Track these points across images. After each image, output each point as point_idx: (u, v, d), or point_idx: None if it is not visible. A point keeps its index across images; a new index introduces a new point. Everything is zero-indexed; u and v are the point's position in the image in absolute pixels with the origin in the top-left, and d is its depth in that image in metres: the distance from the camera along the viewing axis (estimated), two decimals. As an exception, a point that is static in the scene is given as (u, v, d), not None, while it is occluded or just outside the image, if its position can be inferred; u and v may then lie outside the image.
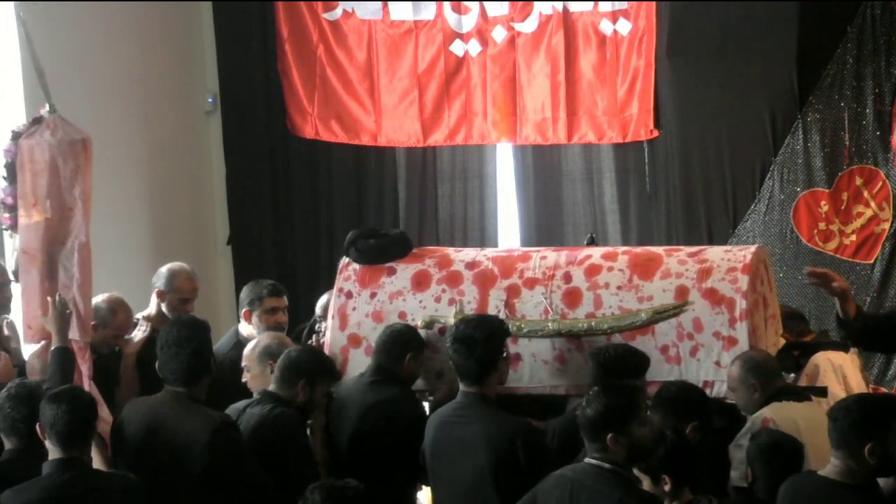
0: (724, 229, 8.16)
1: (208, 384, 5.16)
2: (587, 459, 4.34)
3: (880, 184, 7.94)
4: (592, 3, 8.55)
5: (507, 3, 8.72)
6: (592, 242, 8.06)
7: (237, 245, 9.35)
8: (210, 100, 9.30)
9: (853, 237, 7.98)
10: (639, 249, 6.00)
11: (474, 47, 8.83)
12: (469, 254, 5.96)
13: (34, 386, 5.04)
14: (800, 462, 4.72)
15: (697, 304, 5.45)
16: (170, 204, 8.80)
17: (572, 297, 5.60)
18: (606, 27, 8.53)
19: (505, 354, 5.23)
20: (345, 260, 5.93)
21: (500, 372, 5.18)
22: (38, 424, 4.68)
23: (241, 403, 5.34)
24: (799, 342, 5.99)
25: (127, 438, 5.06)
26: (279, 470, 5.04)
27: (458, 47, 8.87)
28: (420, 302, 5.74)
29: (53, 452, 4.63)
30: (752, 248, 5.70)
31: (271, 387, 5.31)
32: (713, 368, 5.41)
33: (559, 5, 8.60)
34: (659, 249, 5.89)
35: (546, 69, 8.66)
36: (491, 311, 5.63)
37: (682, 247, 6.00)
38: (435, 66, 8.92)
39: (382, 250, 5.89)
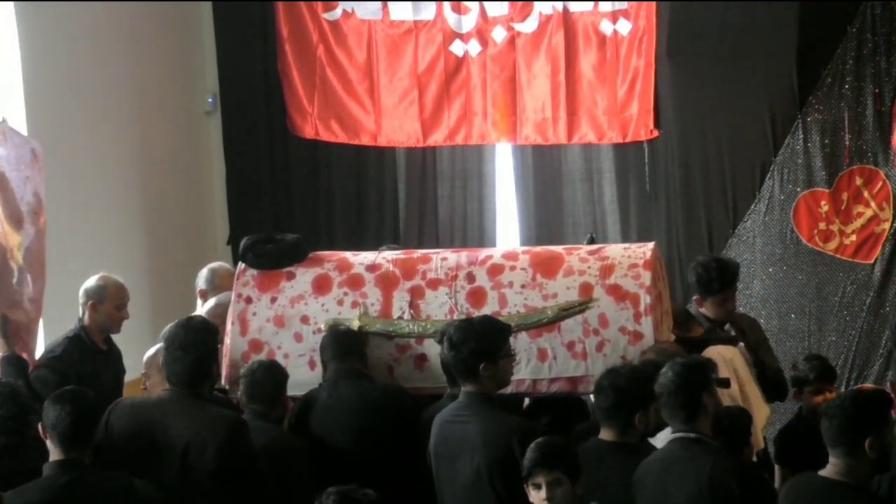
0: (724, 229, 8.17)
1: (212, 386, 5.17)
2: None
3: (880, 184, 7.94)
4: (592, 3, 8.55)
5: (507, 3, 8.72)
6: (592, 242, 8.07)
7: (237, 245, 9.33)
8: (210, 100, 9.30)
9: (853, 237, 7.98)
10: (538, 248, 6.08)
11: (474, 47, 8.83)
12: (368, 256, 5.95)
13: (15, 385, 5.04)
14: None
15: (602, 301, 5.55)
16: (170, 204, 8.80)
17: (477, 297, 5.66)
18: (606, 27, 8.53)
19: (507, 355, 5.20)
20: (241, 265, 5.89)
21: (499, 371, 5.15)
22: (39, 424, 4.68)
23: None
24: (689, 337, 6.03)
25: (120, 439, 5.00)
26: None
27: (457, 47, 8.87)
28: (322, 305, 5.75)
29: (54, 453, 4.62)
30: (650, 245, 5.82)
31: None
32: (619, 363, 5.45)
33: (559, 5, 8.60)
34: (559, 248, 5.98)
35: (546, 69, 8.66)
36: (395, 312, 5.68)
37: (581, 245, 6.09)
38: (435, 66, 8.92)
39: (279, 255, 5.88)
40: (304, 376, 5.64)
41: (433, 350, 5.57)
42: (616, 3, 8.48)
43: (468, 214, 9.19)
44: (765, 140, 8.05)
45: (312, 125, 9.15)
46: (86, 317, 6.26)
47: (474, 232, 9.15)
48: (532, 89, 8.73)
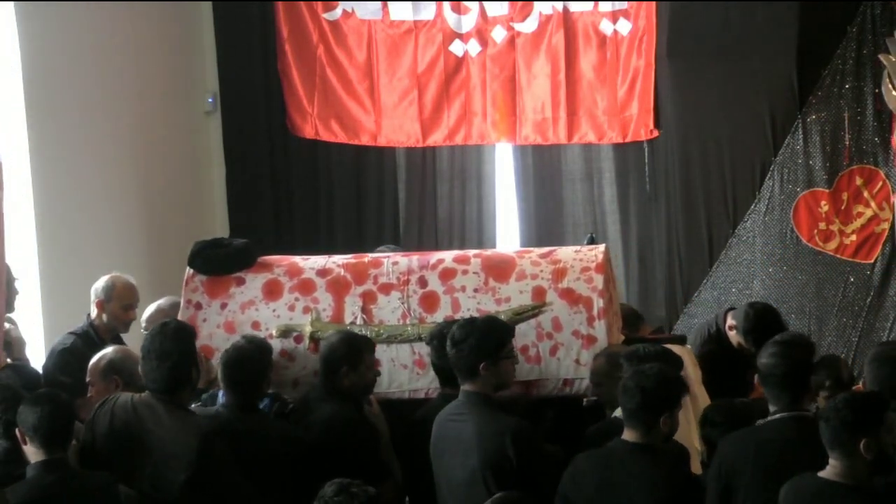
0: (724, 229, 8.17)
1: (192, 391, 5.16)
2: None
3: (880, 184, 7.94)
4: (592, 3, 8.55)
5: (506, 3, 8.72)
6: (592, 242, 8.08)
7: (237, 245, 9.33)
8: (210, 100, 9.30)
9: (853, 237, 7.98)
10: (489, 252, 6.08)
11: (474, 47, 8.83)
12: (318, 261, 5.91)
13: (18, 389, 5.03)
14: None
15: (555, 304, 5.57)
16: (170, 204, 8.79)
17: (430, 301, 5.66)
18: (606, 27, 8.53)
19: (508, 355, 5.19)
20: (189, 271, 5.82)
21: (499, 371, 5.13)
22: (17, 429, 4.65)
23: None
24: (639, 337, 6.08)
25: (101, 440, 5.00)
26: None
27: (457, 47, 8.87)
28: (273, 311, 5.70)
29: (36, 455, 4.61)
30: (601, 248, 5.84)
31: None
32: (573, 366, 5.52)
33: (559, 5, 8.60)
34: (510, 251, 6.02)
35: (546, 69, 8.66)
36: (347, 318, 5.65)
37: (532, 248, 6.10)
38: (434, 66, 8.92)
39: (227, 260, 5.81)
40: None
41: (386, 355, 5.56)
42: (616, 3, 8.48)
43: (468, 214, 9.19)
44: (765, 140, 8.05)
45: (312, 125, 9.15)
46: (94, 314, 6.26)
47: (474, 232, 9.15)
48: (532, 89, 8.73)
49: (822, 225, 8.01)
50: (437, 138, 9.00)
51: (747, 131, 8.09)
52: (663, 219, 8.49)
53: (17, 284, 6.32)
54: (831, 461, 4.28)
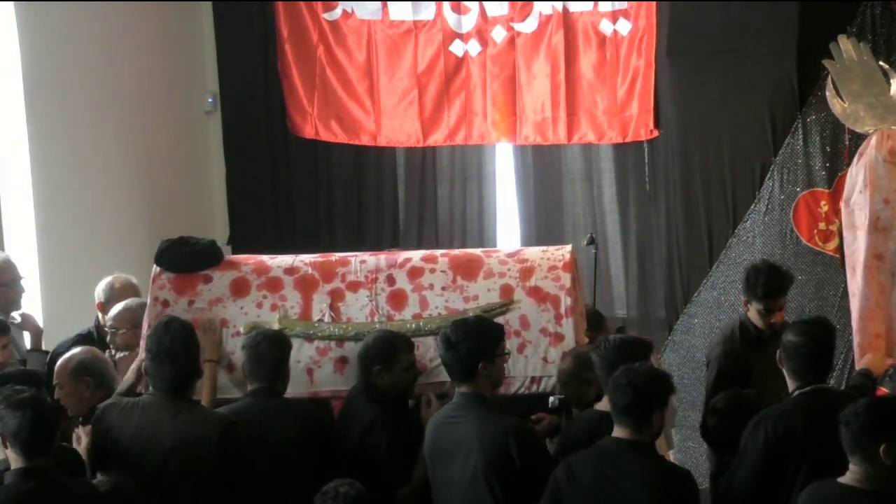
0: (724, 229, 8.16)
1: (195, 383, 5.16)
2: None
3: (880, 184, 7.93)
4: (592, 3, 8.55)
5: (506, 3, 8.72)
6: (592, 242, 8.11)
7: (237, 245, 9.34)
8: (210, 100, 9.31)
9: (853, 237, 7.96)
10: (457, 251, 6.09)
11: (474, 47, 8.83)
12: (286, 260, 5.93)
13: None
14: None
15: (523, 303, 5.62)
16: (169, 204, 8.80)
17: (398, 299, 5.69)
18: (606, 27, 8.53)
19: (501, 353, 5.20)
20: (156, 269, 5.82)
21: (495, 369, 5.15)
22: None
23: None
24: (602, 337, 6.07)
25: (121, 443, 4.98)
26: None
27: (457, 47, 8.87)
28: (241, 308, 5.72)
29: (16, 461, 4.51)
30: (568, 248, 5.87)
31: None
32: (541, 364, 5.56)
33: (559, 5, 8.60)
34: (477, 251, 6.03)
35: (546, 69, 8.66)
36: (315, 315, 5.67)
37: (499, 248, 6.14)
38: (434, 66, 8.92)
39: (194, 258, 5.83)
40: (222, 380, 5.62)
41: (354, 352, 5.55)
42: (616, 3, 8.48)
43: (468, 214, 9.20)
44: (765, 140, 8.04)
45: (312, 125, 9.15)
46: (98, 315, 6.26)
47: (474, 232, 9.15)
48: (532, 89, 8.73)
49: (822, 225, 8.00)
50: (437, 138, 9.01)
51: (747, 131, 8.08)
52: (663, 219, 8.48)
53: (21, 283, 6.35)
54: (851, 466, 4.29)
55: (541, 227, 9.00)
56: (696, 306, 8.21)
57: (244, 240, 9.31)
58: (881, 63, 6.43)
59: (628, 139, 8.57)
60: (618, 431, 4.66)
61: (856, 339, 6.24)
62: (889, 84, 6.26)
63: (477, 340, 5.05)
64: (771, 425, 4.88)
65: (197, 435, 4.88)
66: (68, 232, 7.68)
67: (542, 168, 9.02)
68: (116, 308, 6.08)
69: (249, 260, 5.97)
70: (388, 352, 5.34)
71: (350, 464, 5.13)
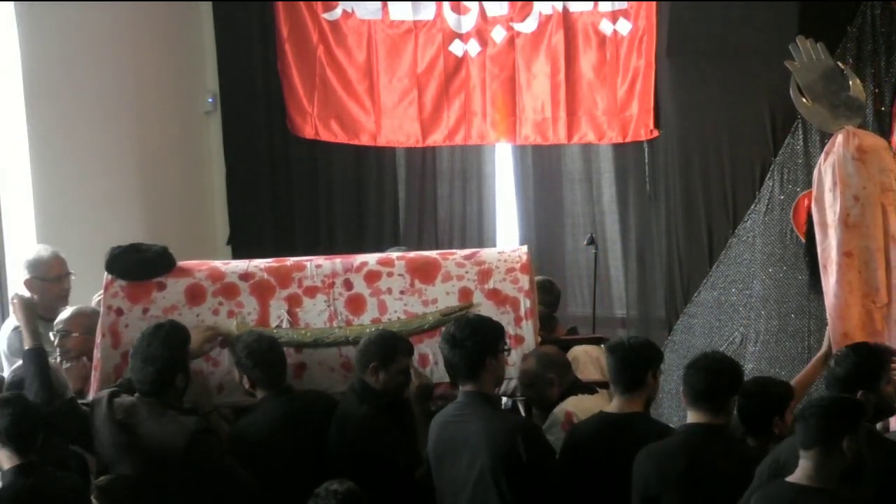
0: (724, 229, 8.16)
1: (183, 388, 5.17)
2: None
3: (880, 184, 7.92)
4: (592, 3, 8.55)
5: (506, 3, 8.72)
6: (592, 243, 8.11)
7: (237, 245, 9.35)
8: (210, 100, 9.30)
9: (853, 237, 7.95)
10: (412, 254, 6.05)
11: (474, 47, 8.83)
12: (240, 265, 5.87)
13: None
14: None
15: (483, 305, 5.61)
16: (170, 204, 8.80)
17: (356, 304, 5.68)
18: (606, 27, 8.53)
19: (503, 351, 5.20)
20: (108, 277, 5.74)
21: (500, 366, 5.16)
22: None
23: None
24: (556, 338, 6.13)
25: (103, 438, 5.05)
26: None
27: (457, 47, 8.87)
28: (197, 315, 5.65)
29: (8, 460, 4.61)
30: (524, 249, 5.87)
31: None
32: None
33: (559, 5, 8.60)
34: (433, 253, 5.99)
35: (546, 69, 8.66)
36: (273, 321, 5.64)
37: (455, 251, 6.08)
38: (434, 67, 8.92)
39: (146, 265, 5.75)
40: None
41: (312, 358, 5.56)
42: (616, 3, 8.48)
43: (468, 214, 9.19)
44: (765, 140, 8.04)
45: (312, 125, 9.15)
46: None
47: (474, 232, 9.15)
48: (532, 89, 8.73)
49: (823, 225, 7.99)
50: (437, 138, 9.00)
51: (747, 131, 8.08)
52: (663, 219, 8.48)
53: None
54: (803, 463, 4.26)
55: (540, 227, 9.00)
56: (696, 306, 8.21)
57: (244, 240, 9.31)
58: (839, 63, 6.45)
59: (628, 139, 8.57)
60: (692, 416, 4.82)
61: (831, 339, 6.23)
62: (848, 83, 6.28)
63: (483, 336, 5.06)
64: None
65: (166, 440, 4.92)
66: (68, 231, 7.67)
67: (541, 168, 9.01)
68: (69, 311, 5.96)
69: (202, 266, 5.87)
70: (388, 351, 5.33)
71: (350, 464, 5.13)
